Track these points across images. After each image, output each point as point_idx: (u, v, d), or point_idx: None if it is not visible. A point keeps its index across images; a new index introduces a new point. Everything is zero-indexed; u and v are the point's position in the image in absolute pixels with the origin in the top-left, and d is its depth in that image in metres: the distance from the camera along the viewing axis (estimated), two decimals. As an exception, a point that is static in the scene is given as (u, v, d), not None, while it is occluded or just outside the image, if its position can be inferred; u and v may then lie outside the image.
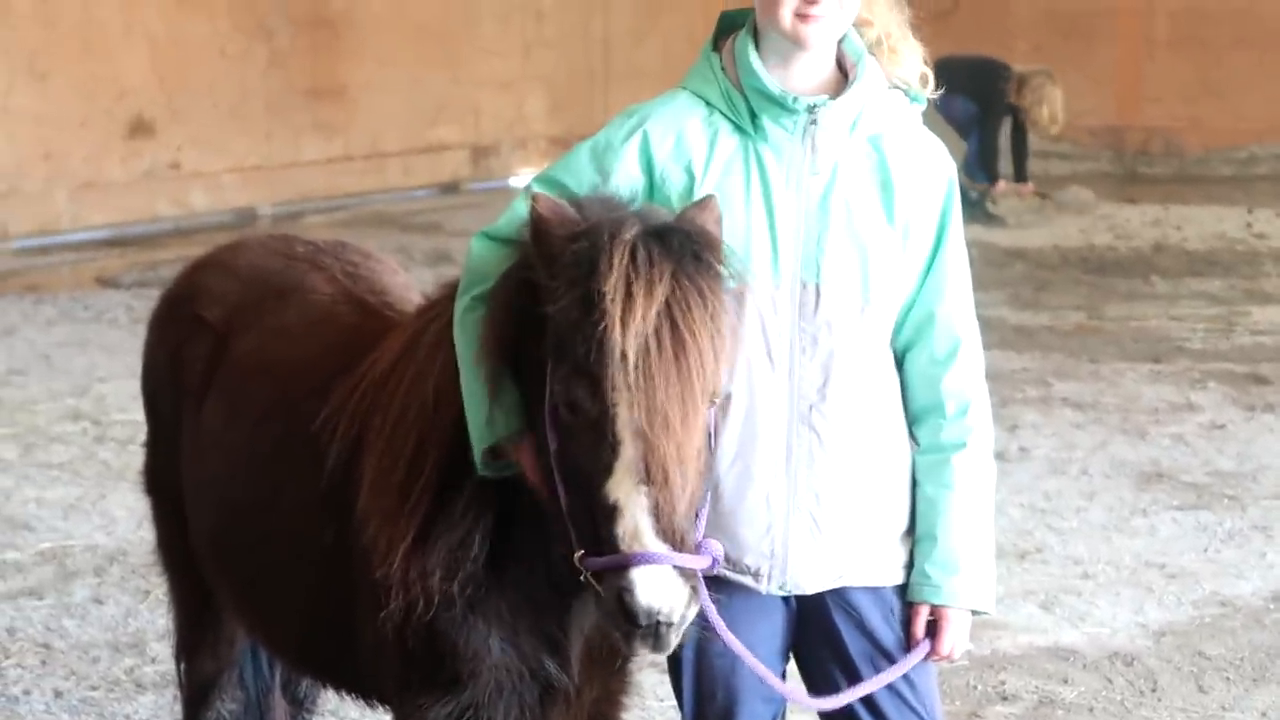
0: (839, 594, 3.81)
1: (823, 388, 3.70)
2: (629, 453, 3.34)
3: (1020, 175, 16.89)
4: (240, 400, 4.45)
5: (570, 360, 3.38)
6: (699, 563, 3.38)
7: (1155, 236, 16.23)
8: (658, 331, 3.35)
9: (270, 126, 17.43)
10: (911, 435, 3.86)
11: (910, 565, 3.85)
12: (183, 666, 4.96)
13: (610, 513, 3.35)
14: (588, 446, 3.38)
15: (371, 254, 4.85)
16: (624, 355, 3.33)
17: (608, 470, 3.35)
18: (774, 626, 3.83)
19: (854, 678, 3.83)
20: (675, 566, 3.33)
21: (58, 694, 6.36)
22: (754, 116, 3.70)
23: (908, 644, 3.85)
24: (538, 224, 3.46)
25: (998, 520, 8.06)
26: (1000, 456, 9.10)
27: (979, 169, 16.24)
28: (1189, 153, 21.39)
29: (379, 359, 4.01)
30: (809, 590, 3.77)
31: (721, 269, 3.46)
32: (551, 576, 3.72)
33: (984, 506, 3.87)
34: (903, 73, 3.84)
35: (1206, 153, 21.24)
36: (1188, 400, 10.42)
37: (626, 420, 3.34)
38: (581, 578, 3.41)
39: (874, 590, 3.82)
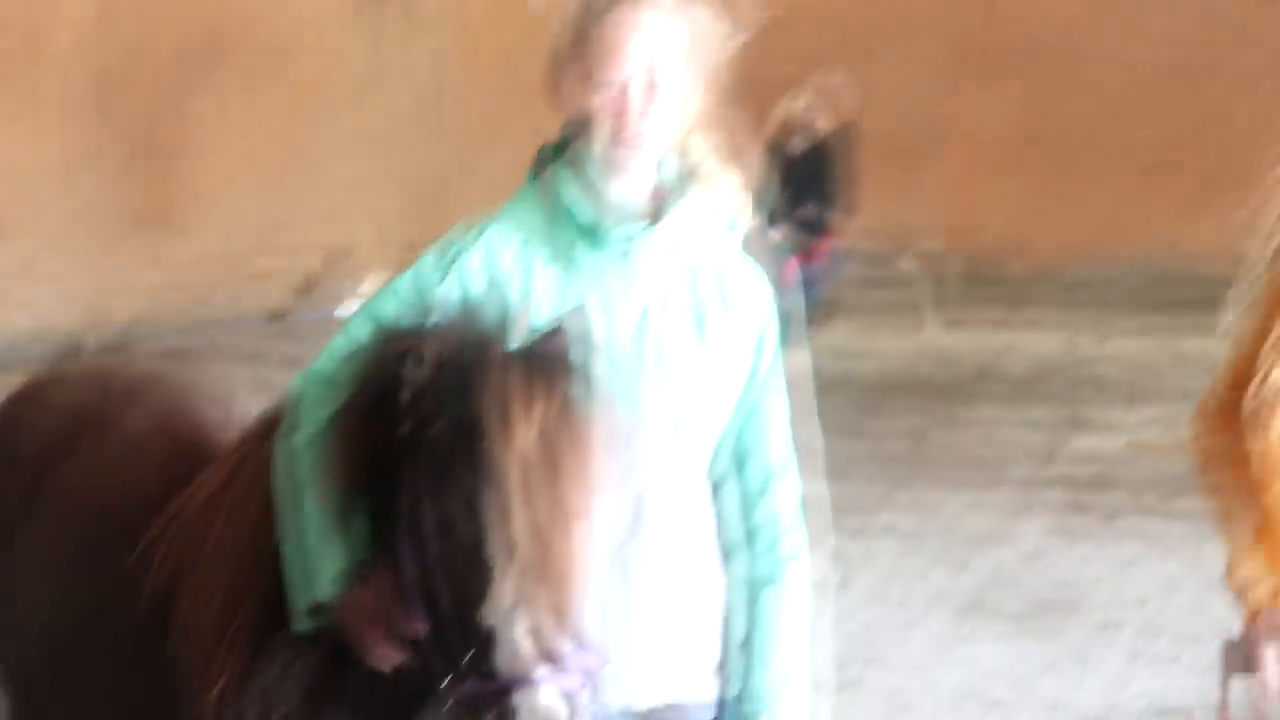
0: None
1: (635, 521, 3.71)
2: (507, 574, 3.33)
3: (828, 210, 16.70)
4: (54, 537, 4.41)
5: (445, 483, 3.37)
6: (577, 681, 3.37)
7: (980, 362, 16.39)
8: (536, 452, 3.36)
9: (97, 253, 17.26)
10: (726, 566, 3.88)
11: (723, 700, 3.88)
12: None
13: (486, 637, 3.33)
14: (461, 571, 3.36)
15: (191, 385, 4.80)
16: (505, 476, 3.33)
17: (481, 594, 3.33)
18: None
19: None
20: (557, 686, 3.32)
21: None
22: (571, 245, 3.71)
23: None
24: (403, 349, 3.45)
25: (817, 651, 8.15)
26: (820, 586, 9.16)
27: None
28: (1016, 276, 21.55)
29: (195, 494, 3.98)
30: None
31: (588, 389, 3.48)
32: (363, 713, 3.71)
33: (799, 638, 3.89)
34: (722, 200, 3.87)
35: (1033, 274, 21.41)
36: (1008, 529, 10.51)
37: (504, 542, 3.33)
38: (447, 708, 3.40)
39: None
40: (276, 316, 18.82)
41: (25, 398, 4.86)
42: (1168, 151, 20.67)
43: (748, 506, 3.82)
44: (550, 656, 3.33)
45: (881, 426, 13.53)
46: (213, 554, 3.84)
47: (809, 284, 16.85)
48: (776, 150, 15.90)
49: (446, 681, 3.39)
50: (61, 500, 4.46)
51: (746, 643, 3.84)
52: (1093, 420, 13.75)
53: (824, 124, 16.64)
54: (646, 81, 3.66)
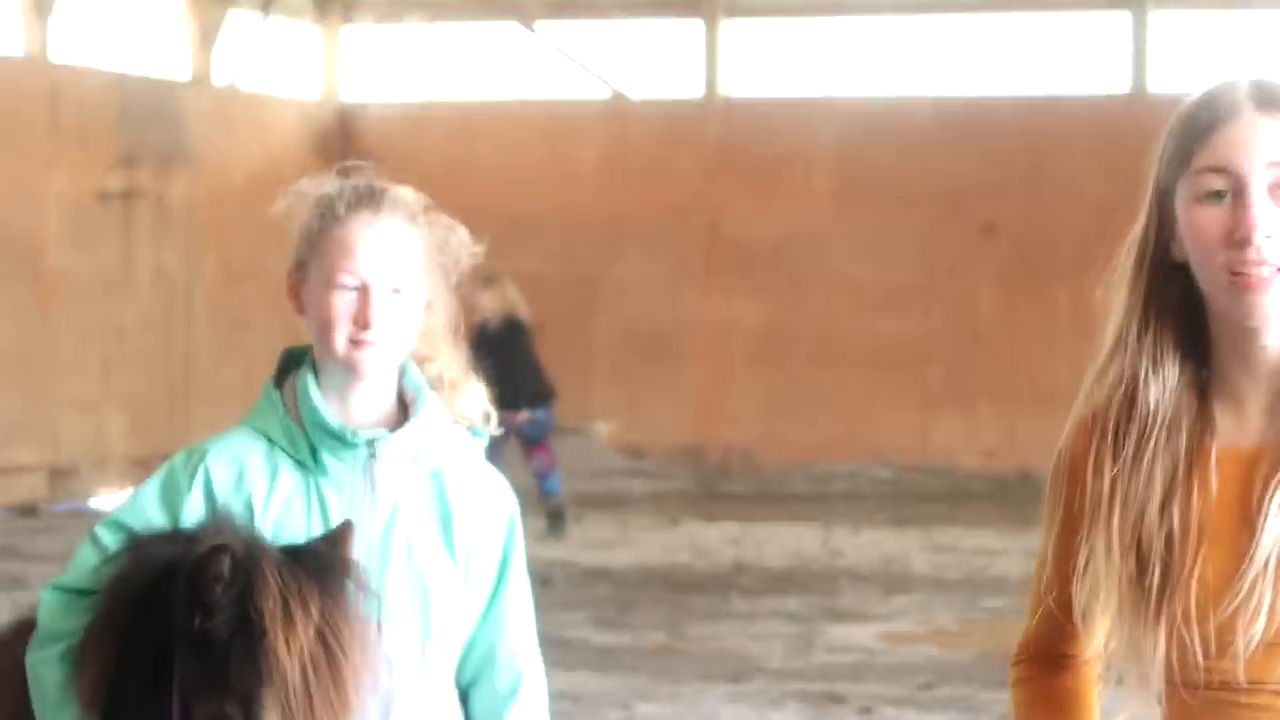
0: None
1: None
2: None
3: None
4: None
5: (221, 683, 3.35)
6: None
7: (734, 555, 16.43)
8: (313, 655, 3.37)
9: None
10: None
11: None
12: None
13: None
14: None
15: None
16: (285, 672, 3.33)
17: None
18: None
19: None
20: None
21: None
22: (314, 451, 3.70)
23: None
24: (167, 551, 3.47)
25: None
26: (582, 781, 9.10)
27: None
28: (767, 470, 21.75)
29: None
30: None
31: (356, 592, 3.49)
32: None
33: None
34: (465, 408, 3.87)
35: (784, 470, 21.62)
36: (766, 719, 10.51)
37: None
38: None
39: None
40: (28, 510, 18.54)
41: None
42: (911, 351, 21.02)
43: (496, 711, 3.79)
44: None
45: (640, 618, 13.51)
46: None
47: (543, 477, 16.91)
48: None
49: None
50: None
51: None
52: (847, 611, 13.81)
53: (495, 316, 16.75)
54: (385, 285, 3.66)
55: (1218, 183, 2.96)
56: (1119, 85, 21.34)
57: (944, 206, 21.09)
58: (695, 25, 22.81)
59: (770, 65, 22.84)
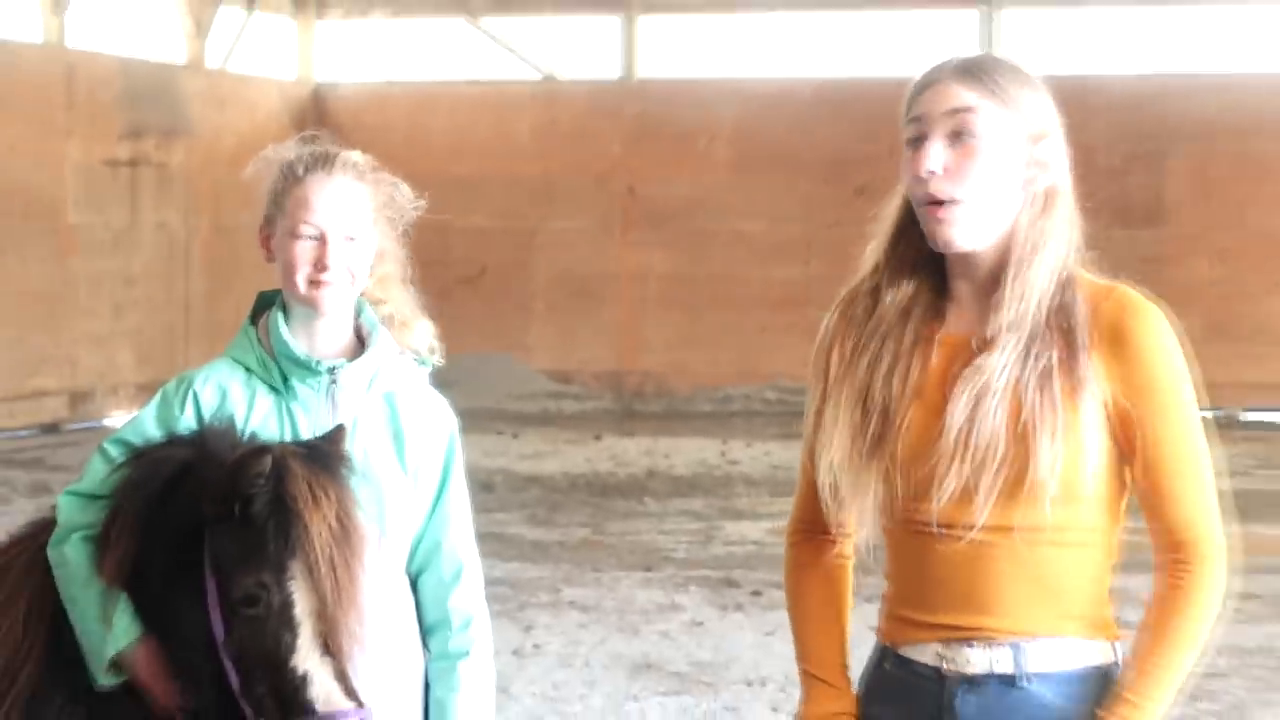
0: None
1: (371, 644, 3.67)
2: (310, 630, 3.37)
3: None
4: None
5: (255, 556, 3.39)
6: (373, 715, 3.43)
7: (648, 464, 16.46)
8: (334, 529, 3.42)
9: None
10: (424, 645, 3.85)
11: None
12: None
13: (301, 682, 3.36)
14: (269, 630, 3.38)
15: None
16: (313, 546, 3.37)
17: (292, 648, 3.37)
18: None
19: None
20: (360, 719, 3.37)
21: None
22: (285, 378, 3.70)
23: None
24: (213, 445, 3.51)
25: (514, 706, 8.10)
26: (516, 652, 9.10)
27: None
28: (677, 393, 21.78)
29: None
30: None
31: (356, 483, 3.56)
32: None
33: (487, 705, 3.87)
34: (414, 341, 3.88)
35: (691, 393, 21.66)
36: (673, 602, 10.52)
37: (309, 603, 3.38)
38: None
39: None
40: (50, 428, 18.45)
41: None
42: (797, 293, 21.03)
43: (440, 595, 3.81)
44: (353, 695, 3.39)
45: (567, 518, 13.53)
46: None
47: None
48: None
49: None
50: None
51: (440, 709, 3.80)
52: (742, 511, 13.87)
53: None
54: (340, 234, 3.66)
55: (915, 130, 3.10)
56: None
57: (825, 172, 21.09)
58: (615, 20, 22.78)
59: (679, 52, 22.82)
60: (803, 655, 3.31)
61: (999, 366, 3.04)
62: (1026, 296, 3.06)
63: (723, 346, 21.56)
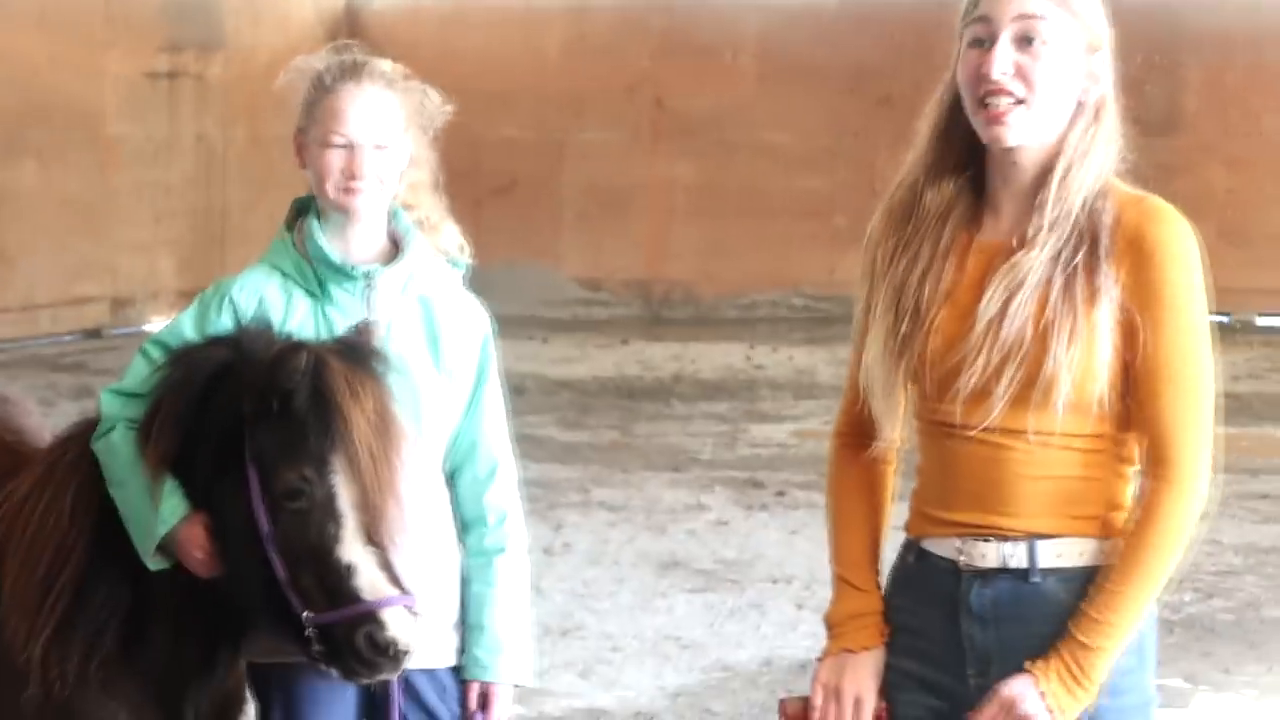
0: (400, 678, 3.76)
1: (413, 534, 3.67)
2: (354, 520, 3.38)
3: None
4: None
5: (299, 450, 3.40)
6: (417, 602, 3.46)
7: (675, 369, 16.45)
8: (373, 422, 3.43)
9: (-67, 282, 16.93)
10: (461, 541, 3.86)
11: (461, 650, 3.84)
12: None
13: (346, 572, 3.38)
14: (314, 522, 3.39)
15: (9, 398, 4.68)
16: (354, 440, 3.39)
17: (337, 538, 3.38)
18: (346, 704, 3.78)
19: None
20: (405, 605, 3.41)
21: None
22: (321, 283, 3.69)
23: (463, 716, 3.83)
24: (253, 343, 3.50)
25: (544, 603, 8.15)
26: (547, 550, 9.13)
27: None
28: (703, 300, 21.75)
29: (17, 486, 3.88)
30: None
31: (390, 376, 3.56)
32: (174, 662, 3.65)
33: (522, 599, 3.88)
34: (444, 244, 3.87)
35: (717, 300, 21.63)
36: (699, 502, 10.53)
37: (351, 494, 3.39)
38: (307, 633, 3.39)
39: (429, 672, 3.80)
40: (93, 333, 18.49)
41: None
42: (821, 203, 20.93)
43: (477, 492, 3.81)
44: (398, 583, 3.41)
45: (596, 420, 13.54)
46: (37, 529, 3.75)
47: None
48: None
49: (307, 614, 3.40)
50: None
51: (478, 603, 3.81)
52: (766, 414, 13.87)
53: None
54: (369, 142, 3.64)
55: (980, 31, 3.09)
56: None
57: (848, 83, 20.94)
58: (642, -67, 22.61)
59: (705, -33, 22.64)
60: (835, 556, 3.33)
61: (1034, 264, 3.03)
62: (1070, 199, 3.07)
63: (748, 255, 21.50)
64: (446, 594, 3.79)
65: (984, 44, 3.07)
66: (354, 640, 3.38)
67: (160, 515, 3.54)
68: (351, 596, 3.37)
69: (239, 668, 3.80)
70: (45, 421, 4.69)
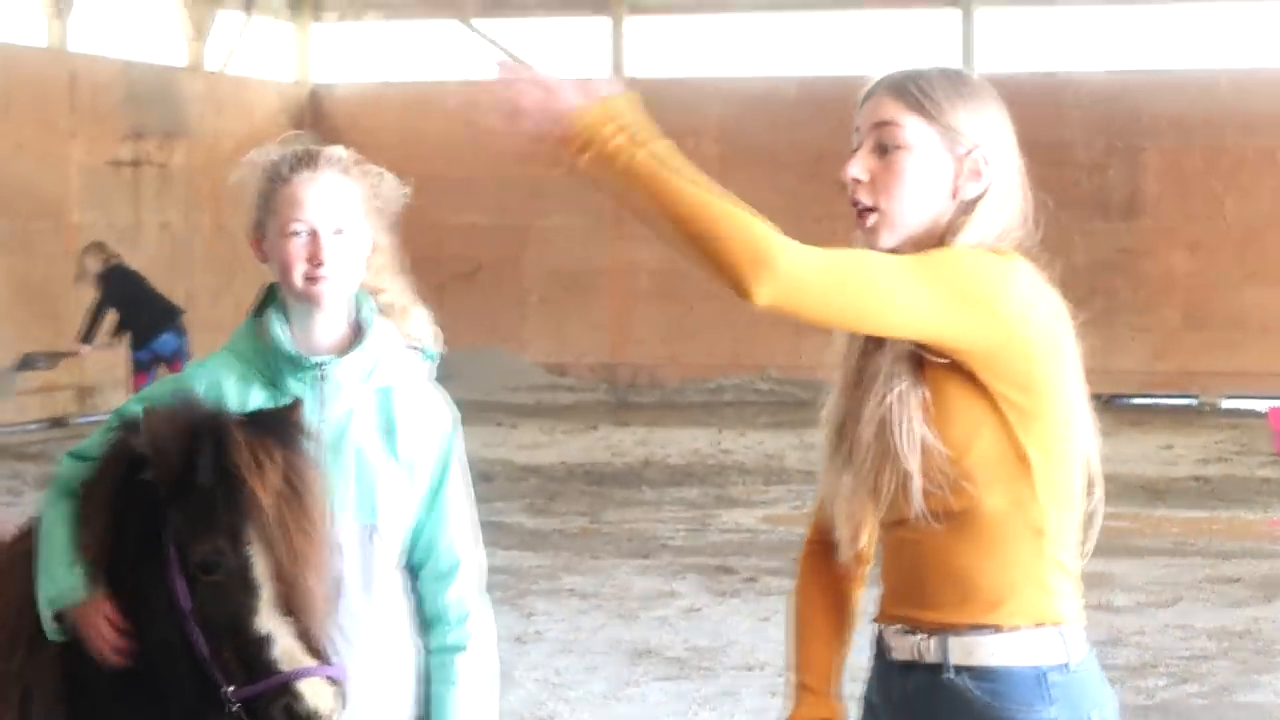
0: None
1: (338, 597, 3.59)
2: (270, 592, 3.35)
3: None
4: None
5: (210, 525, 3.36)
6: (340, 672, 3.39)
7: (644, 453, 16.44)
8: (282, 492, 3.39)
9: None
10: (424, 641, 3.78)
11: None
12: None
13: (263, 643, 3.34)
14: (230, 595, 3.36)
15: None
16: (263, 509, 3.35)
17: (253, 610, 3.35)
18: None
19: None
20: (325, 676, 3.34)
21: None
22: (279, 372, 3.66)
23: None
24: (158, 424, 3.43)
25: (517, 691, 8.05)
26: (518, 639, 9.05)
27: None
28: (669, 384, 21.76)
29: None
30: None
31: (310, 445, 3.50)
32: None
33: (484, 697, 3.78)
34: (415, 330, 3.81)
35: (683, 384, 21.64)
36: (670, 589, 10.47)
37: (266, 565, 3.35)
38: (232, 710, 3.35)
39: None
40: (59, 422, 18.49)
41: None
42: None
43: (437, 590, 3.72)
44: (317, 654, 3.36)
45: (565, 507, 13.48)
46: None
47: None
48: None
49: (230, 690, 3.35)
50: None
51: (439, 702, 3.73)
52: (736, 499, 13.83)
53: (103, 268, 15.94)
54: (330, 228, 3.61)
55: (854, 138, 3.13)
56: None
57: (808, 168, 21.02)
58: (604, 22, 22.79)
59: (665, 52, 22.79)
60: (795, 664, 3.31)
61: (880, 368, 3.03)
62: None
63: (713, 338, 21.52)
64: (402, 690, 3.73)
65: (854, 152, 3.14)
66: (271, 714, 3.33)
67: (60, 589, 3.52)
68: (268, 668, 3.33)
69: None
70: (9, 513, 4.61)
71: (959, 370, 2.97)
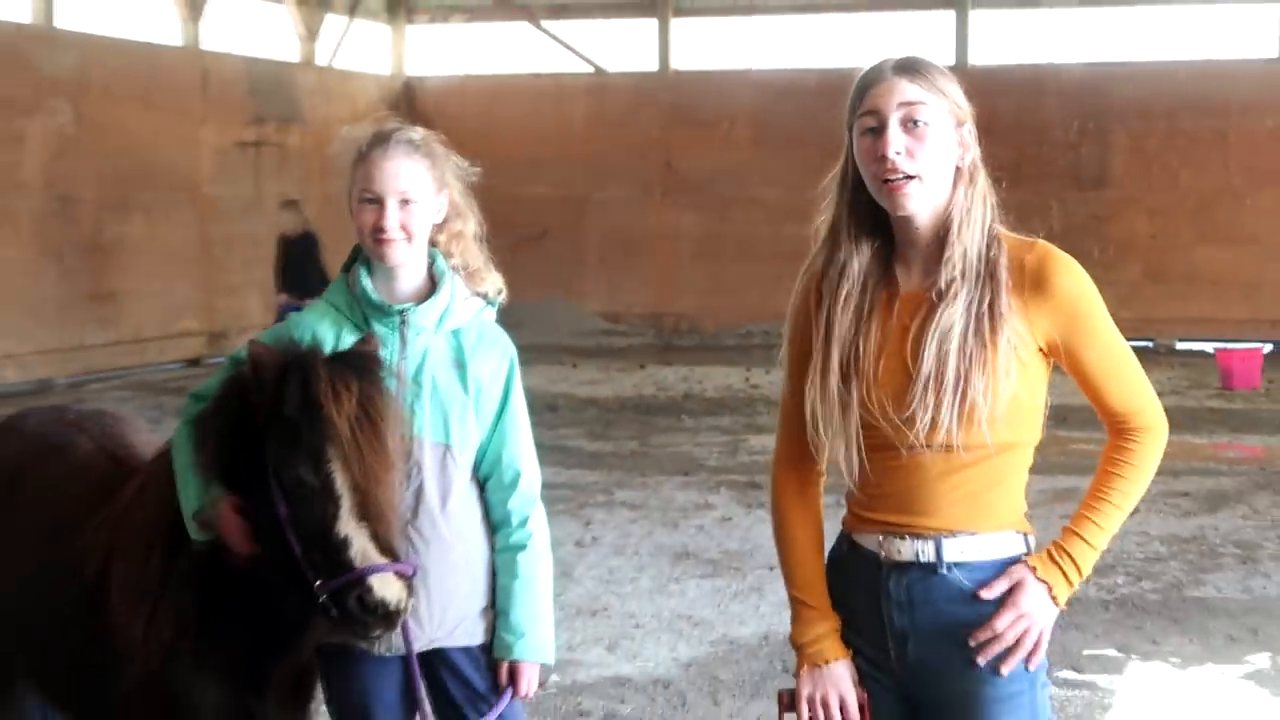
0: (440, 654, 3.74)
1: (414, 509, 3.64)
2: (349, 502, 3.36)
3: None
4: (24, 526, 4.24)
5: (297, 448, 3.38)
6: (408, 568, 3.41)
7: (685, 388, 16.44)
8: (357, 418, 3.39)
9: (62, 321, 16.93)
10: (495, 538, 3.81)
11: (493, 631, 3.80)
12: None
13: (342, 545, 3.35)
14: (316, 504, 3.37)
15: (122, 418, 4.66)
16: (339, 435, 3.37)
17: (335, 517, 3.36)
18: (393, 680, 3.75)
19: (461, 717, 3.77)
20: (395, 571, 3.36)
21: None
22: (366, 318, 3.69)
23: (496, 688, 3.79)
24: (257, 364, 3.45)
25: (576, 588, 8.10)
26: (578, 543, 9.10)
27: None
28: (706, 331, 21.76)
29: (124, 494, 3.90)
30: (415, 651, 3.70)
31: (385, 377, 3.51)
32: (250, 634, 3.64)
33: (542, 589, 3.79)
34: (484, 288, 3.83)
35: (718, 330, 21.63)
36: (706, 501, 10.50)
37: (344, 480, 3.37)
38: (320, 599, 3.37)
39: (466, 649, 3.75)
40: (193, 362, 18.52)
41: (3, 427, 4.67)
42: (806, 247, 20.86)
43: (502, 498, 3.76)
44: (388, 552, 3.37)
45: (618, 433, 13.50)
46: (137, 531, 3.75)
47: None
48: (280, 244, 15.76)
49: (318, 584, 3.38)
50: (29, 504, 4.27)
51: (505, 593, 3.76)
52: (762, 426, 13.83)
53: (294, 231, 15.67)
54: (395, 198, 3.63)
55: (871, 121, 3.12)
56: (945, 61, 21.17)
57: (826, 148, 20.71)
58: (652, 22, 22.69)
59: (706, 49, 22.69)
60: (789, 580, 3.28)
61: (955, 316, 3.05)
62: (968, 251, 3.08)
63: (744, 292, 21.49)
64: (478, 582, 3.76)
65: (876, 131, 3.09)
66: (348, 603, 3.36)
67: (195, 500, 3.58)
68: (347, 565, 3.36)
69: (312, 647, 3.77)
70: (153, 437, 4.68)
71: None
